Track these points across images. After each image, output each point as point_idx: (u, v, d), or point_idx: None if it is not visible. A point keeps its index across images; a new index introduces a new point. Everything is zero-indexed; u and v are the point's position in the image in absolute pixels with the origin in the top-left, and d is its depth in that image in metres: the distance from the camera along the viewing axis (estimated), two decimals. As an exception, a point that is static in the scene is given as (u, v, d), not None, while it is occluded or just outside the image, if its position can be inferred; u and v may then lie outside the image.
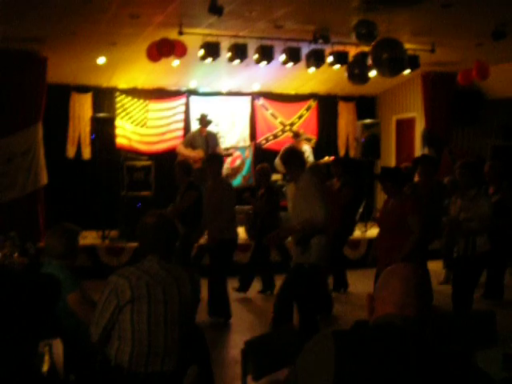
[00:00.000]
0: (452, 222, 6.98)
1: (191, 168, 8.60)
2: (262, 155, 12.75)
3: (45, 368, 2.84)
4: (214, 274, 7.63)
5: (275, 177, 11.55)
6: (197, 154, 11.18)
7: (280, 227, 8.06)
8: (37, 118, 10.27)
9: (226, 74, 11.64)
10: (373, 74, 9.65)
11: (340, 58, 9.65)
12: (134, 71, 11.36)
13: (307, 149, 12.30)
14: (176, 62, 9.63)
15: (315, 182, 6.25)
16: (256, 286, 9.29)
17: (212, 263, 7.77)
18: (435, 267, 9.45)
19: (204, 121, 11.57)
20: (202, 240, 8.55)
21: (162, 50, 8.86)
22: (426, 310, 2.36)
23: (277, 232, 6.84)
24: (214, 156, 8.47)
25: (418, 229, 6.37)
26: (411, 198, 6.77)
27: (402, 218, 6.40)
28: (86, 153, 12.12)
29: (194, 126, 12.75)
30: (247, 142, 13.34)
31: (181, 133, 12.89)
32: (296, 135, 12.36)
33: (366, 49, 8.98)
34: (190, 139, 11.66)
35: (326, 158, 11.84)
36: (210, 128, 11.81)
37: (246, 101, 13.50)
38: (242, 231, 10.27)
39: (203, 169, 9.18)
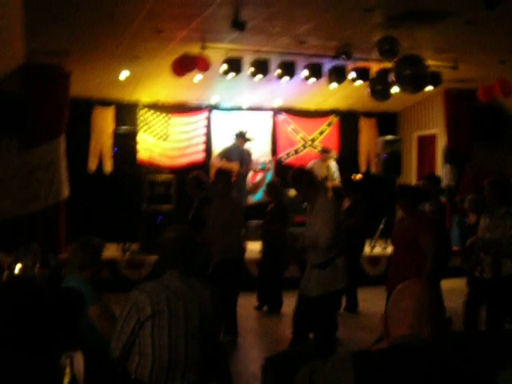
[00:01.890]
0: (479, 242, 6.77)
1: (204, 182, 8.54)
2: (282, 170, 12.72)
3: (66, 381, 2.84)
4: (223, 293, 7.50)
5: (294, 192, 11.46)
6: (232, 166, 10.89)
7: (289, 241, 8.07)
8: (60, 131, 10.36)
9: (247, 89, 11.67)
10: (394, 90, 9.62)
11: (362, 74, 9.66)
12: (157, 85, 11.43)
13: (333, 165, 12.30)
14: (199, 77, 9.67)
15: (330, 205, 6.03)
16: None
17: (219, 282, 7.61)
18: (457, 285, 9.31)
19: (243, 136, 11.61)
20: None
21: (185, 65, 8.91)
22: (441, 328, 2.31)
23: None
24: (222, 172, 8.02)
25: (431, 249, 6.16)
26: (426, 218, 6.64)
27: (415, 236, 6.25)
28: (108, 166, 12.18)
29: (216, 140, 12.82)
30: (268, 157, 13.34)
31: (202, 147, 12.94)
32: (324, 151, 12.39)
33: (389, 65, 8.98)
34: (226, 152, 11.59)
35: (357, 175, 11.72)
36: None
37: (268, 116, 13.52)
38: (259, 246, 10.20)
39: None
